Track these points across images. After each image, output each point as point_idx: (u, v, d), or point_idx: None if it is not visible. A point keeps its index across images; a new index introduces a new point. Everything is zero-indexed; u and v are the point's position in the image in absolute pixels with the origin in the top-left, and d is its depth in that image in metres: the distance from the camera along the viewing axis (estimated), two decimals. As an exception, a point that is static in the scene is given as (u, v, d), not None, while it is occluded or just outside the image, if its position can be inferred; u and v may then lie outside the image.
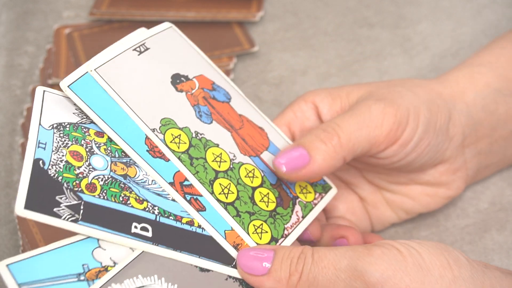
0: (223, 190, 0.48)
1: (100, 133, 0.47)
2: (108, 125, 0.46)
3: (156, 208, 0.45)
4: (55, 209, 0.42)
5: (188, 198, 0.47)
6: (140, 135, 0.47)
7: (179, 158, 0.48)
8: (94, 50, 0.69)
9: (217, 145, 0.50)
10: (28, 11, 0.76)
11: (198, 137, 0.49)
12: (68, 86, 0.46)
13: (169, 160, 0.47)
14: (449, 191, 0.56)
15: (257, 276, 0.45)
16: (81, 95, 0.46)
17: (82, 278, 0.42)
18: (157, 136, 0.48)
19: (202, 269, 0.45)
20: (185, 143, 0.49)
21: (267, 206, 0.49)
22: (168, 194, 0.46)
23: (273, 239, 0.48)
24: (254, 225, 0.48)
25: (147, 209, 0.45)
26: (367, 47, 0.73)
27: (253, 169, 0.50)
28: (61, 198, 0.43)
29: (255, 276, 0.45)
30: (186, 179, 0.47)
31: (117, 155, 0.46)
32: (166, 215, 0.46)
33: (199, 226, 0.46)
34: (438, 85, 0.55)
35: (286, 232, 0.49)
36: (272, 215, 0.49)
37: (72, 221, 0.42)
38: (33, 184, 0.42)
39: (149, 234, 0.44)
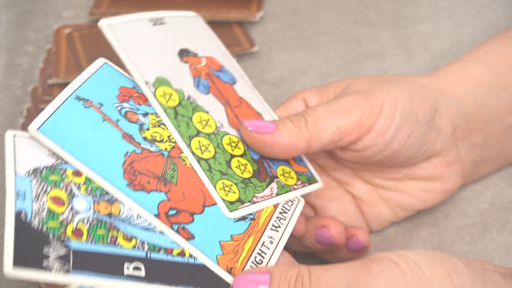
0: (200, 147, 0.49)
1: (78, 173, 0.45)
2: (84, 163, 0.45)
3: (145, 244, 0.45)
4: (44, 264, 0.41)
5: (175, 228, 0.46)
6: (118, 171, 0.46)
7: (164, 110, 0.49)
8: (94, 50, 0.69)
9: (207, 112, 0.51)
10: (28, 11, 0.76)
11: (189, 100, 0.51)
12: (36, 130, 0.45)
13: (150, 191, 0.46)
14: (445, 185, 0.56)
15: None
16: (52, 136, 0.45)
17: None
18: (148, 88, 0.49)
19: None
20: (175, 101, 0.50)
21: (242, 174, 0.50)
22: (155, 228, 0.46)
23: (240, 201, 0.48)
24: (223, 183, 0.48)
25: (136, 246, 0.44)
26: (367, 47, 0.73)
27: (238, 141, 0.52)
28: (48, 250, 0.42)
29: None
30: (170, 208, 0.46)
31: (98, 194, 0.45)
32: (156, 250, 0.45)
33: (191, 256, 0.46)
34: (425, 79, 0.56)
35: (255, 199, 0.49)
36: (244, 181, 0.50)
37: (63, 272, 0.41)
38: (19, 240, 0.41)
39: (142, 273, 0.44)
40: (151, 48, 0.52)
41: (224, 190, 0.48)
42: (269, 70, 0.71)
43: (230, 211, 0.48)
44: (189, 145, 0.49)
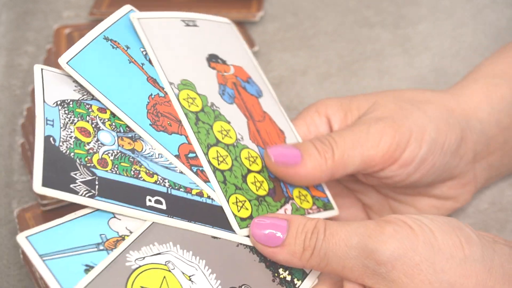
0: (217, 157, 0.48)
1: (103, 109, 0.47)
2: (110, 100, 0.46)
3: (166, 181, 0.46)
4: (71, 185, 0.43)
5: (194, 170, 0.47)
6: (142, 111, 0.47)
7: (186, 114, 0.48)
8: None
9: (229, 122, 0.50)
10: (28, 11, 0.76)
11: (212, 107, 0.50)
12: (66, 63, 0.46)
13: (172, 133, 0.47)
14: (456, 203, 0.56)
15: (271, 247, 0.45)
16: (80, 71, 0.46)
17: (101, 247, 0.43)
18: (172, 90, 0.49)
19: (214, 236, 0.46)
20: (197, 106, 0.49)
21: (257, 190, 0.49)
22: (176, 167, 0.47)
23: (251, 218, 0.47)
24: (236, 198, 0.48)
25: (158, 182, 0.46)
26: (367, 47, 0.73)
27: (256, 156, 0.51)
28: (75, 174, 0.43)
29: (268, 247, 0.45)
30: (190, 151, 0.48)
31: (122, 130, 0.47)
32: (176, 187, 0.46)
33: (209, 197, 0.47)
34: (452, 100, 0.54)
35: None
36: (259, 199, 0.49)
37: (89, 196, 0.43)
38: (47, 161, 0.43)
39: (163, 206, 0.45)
40: (180, 48, 0.51)
41: (237, 205, 0.48)
42: (269, 70, 0.71)
43: (240, 228, 0.47)
44: (206, 154, 0.48)
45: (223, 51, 0.54)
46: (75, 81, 0.47)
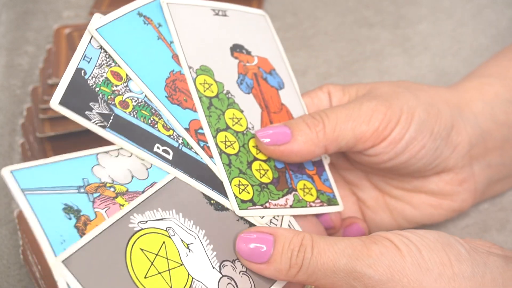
0: (225, 142, 0.50)
1: None
2: (132, 69, 0.48)
3: (180, 138, 0.48)
4: (86, 112, 0.45)
5: (201, 145, 0.49)
6: (161, 82, 0.49)
7: (200, 98, 0.50)
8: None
9: (242, 111, 0.51)
10: (28, 11, 0.76)
11: (227, 95, 0.51)
12: (95, 29, 0.48)
13: (186, 108, 0.49)
14: (453, 203, 0.55)
15: (257, 263, 0.45)
16: (107, 38, 0.48)
17: (82, 190, 0.44)
18: (190, 73, 0.50)
19: (217, 209, 0.47)
20: (213, 92, 0.51)
21: (260, 177, 0.50)
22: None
23: (252, 202, 0.48)
24: (239, 181, 0.49)
25: (172, 136, 0.48)
26: (367, 47, 0.73)
27: None
28: (94, 105, 0.46)
29: (255, 264, 0.45)
30: (200, 128, 0.49)
31: None
32: (188, 147, 0.48)
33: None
34: (446, 92, 0.55)
35: (267, 204, 0.49)
36: (261, 185, 0.50)
37: (100, 126, 0.45)
38: (72, 86, 0.45)
39: (170, 156, 0.47)
40: (205, 35, 0.52)
41: (239, 188, 0.48)
42: (269, 70, 0.71)
43: (240, 209, 0.48)
44: (215, 137, 0.49)
45: (250, 41, 0.55)
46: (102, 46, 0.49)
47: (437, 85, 0.57)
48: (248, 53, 0.54)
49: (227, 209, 0.47)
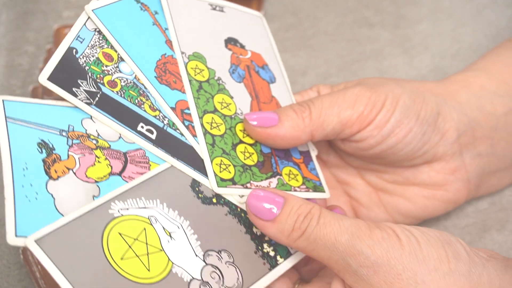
0: (211, 123, 0.50)
1: None
2: (124, 49, 0.49)
3: (166, 119, 0.49)
4: (74, 89, 0.46)
5: (186, 124, 0.49)
6: (151, 63, 0.50)
7: (190, 81, 0.50)
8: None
9: (231, 97, 0.52)
10: (28, 11, 0.76)
11: (218, 81, 0.52)
12: (92, 10, 0.49)
13: (174, 89, 0.50)
14: (447, 193, 0.55)
15: (263, 220, 0.46)
16: (103, 19, 0.49)
17: (64, 134, 0.45)
18: (182, 58, 0.51)
19: (204, 202, 0.47)
20: (203, 77, 0.51)
21: (244, 159, 0.50)
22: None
23: (232, 181, 0.49)
24: (221, 160, 0.49)
25: (157, 117, 0.49)
26: (367, 47, 0.73)
27: None
28: (82, 82, 0.47)
29: (260, 220, 0.46)
30: (187, 108, 0.50)
31: None
32: (173, 128, 0.49)
33: None
34: (431, 84, 0.56)
35: (248, 185, 0.49)
36: (244, 167, 0.50)
37: (85, 103, 0.46)
38: (62, 64, 0.47)
39: (153, 136, 0.48)
40: (200, 26, 0.53)
41: (220, 167, 0.49)
42: (269, 70, 0.71)
43: (218, 186, 0.48)
44: (201, 117, 0.50)
45: (244, 37, 0.56)
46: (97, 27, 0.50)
47: (425, 80, 0.58)
48: (242, 46, 0.55)
49: (215, 203, 0.48)
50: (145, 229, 0.44)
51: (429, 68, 0.71)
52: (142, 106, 0.48)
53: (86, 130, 0.46)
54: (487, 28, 0.74)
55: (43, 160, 0.44)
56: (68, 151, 0.45)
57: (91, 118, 0.47)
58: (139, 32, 0.50)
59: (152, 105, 0.49)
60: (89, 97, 0.47)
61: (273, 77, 0.55)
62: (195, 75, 0.51)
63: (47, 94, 0.67)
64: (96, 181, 0.45)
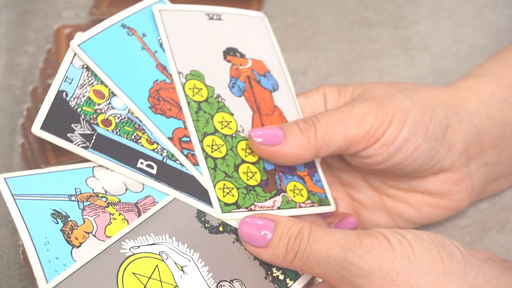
0: (212, 145, 0.50)
1: None
2: (115, 83, 0.48)
3: (165, 151, 0.48)
4: (68, 134, 0.46)
5: (185, 153, 0.49)
6: (144, 93, 0.49)
7: (188, 103, 0.50)
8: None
9: (232, 114, 0.51)
10: (28, 11, 0.76)
11: (217, 99, 0.51)
12: (78, 45, 0.48)
13: (170, 117, 0.49)
14: (451, 202, 0.55)
15: (257, 247, 0.47)
16: (89, 53, 0.48)
17: (73, 198, 0.45)
18: (179, 78, 0.50)
19: (211, 232, 0.47)
20: (202, 96, 0.51)
21: (247, 180, 0.50)
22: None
23: (236, 205, 0.48)
24: (224, 184, 0.49)
25: (156, 150, 0.48)
26: (367, 47, 0.73)
27: None
28: (76, 126, 0.46)
29: (255, 247, 0.47)
30: (184, 136, 0.49)
31: None
32: (173, 159, 0.48)
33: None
34: (441, 92, 0.55)
35: (253, 207, 0.49)
36: (247, 188, 0.50)
37: (82, 147, 0.46)
38: (53, 110, 0.46)
39: (154, 171, 0.47)
40: (197, 40, 0.52)
41: (223, 191, 0.48)
42: (269, 70, 0.71)
43: (222, 212, 0.48)
44: (201, 141, 0.49)
45: (244, 44, 0.54)
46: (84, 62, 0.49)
47: (434, 85, 0.57)
48: (242, 56, 0.54)
49: (222, 231, 0.47)
50: (157, 266, 0.44)
51: (429, 68, 0.70)
52: (139, 141, 0.48)
53: (93, 189, 0.46)
54: (487, 28, 0.74)
55: (62, 230, 0.44)
56: (82, 215, 0.45)
57: (93, 176, 0.46)
58: (128, 61, 0.49)
59: (149, 139, 0.48)
60: (85, 141, 0.46)
61: (275, 84, 0.54)
62: (193, 95, 0.50)
63: (46, 93, 0.66)
64: None
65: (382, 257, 0.43)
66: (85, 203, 0.45)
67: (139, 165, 0.47)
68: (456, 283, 0.43)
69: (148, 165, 0.47)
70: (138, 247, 0.44)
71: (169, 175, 0.48)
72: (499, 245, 0.57)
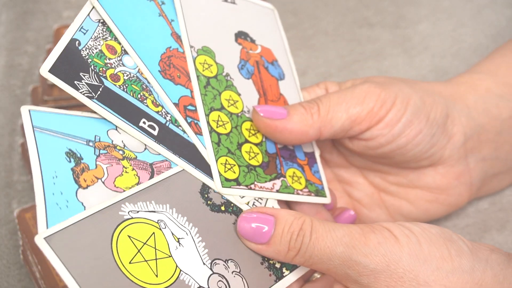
0: (217, 121, 0.50)
1: None
2: (128, 41, 0.48)
3: (169, 115, 0.48)
4: (75, 82, 0.46)
5: (189, 121, 0.49)
6: (156, 56, 0.49)
7: (197, 77, 0.50)
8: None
9: (239, 94, 0.52)
10: (28, 11, 0.76)
11: (226, 77, 0.51)
12: (97, 0, 0.48)
13: (178, 84, 0.49)
14: (449, 197, 0.55)
15: (257, 244, 0.46)
16: (107, 8, 0.48)
17: (90, 144, 0.45)
18: (191, 52, 0.50)
19: (213, 210, 0.47)
20: (212, 72, 0.51)
21: (249, 159, 0.50)
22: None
23: (237, 181, 0.48)
24: (226, 160, 0.49)
25: (160, 113, 0.48)
26: (367, 47, 0.73)
27: (258, 130, 0.51)
28: (84, 75, 0.46)
29: (255, 244, 0.46)
30: (190, 104, 0.49)
31: None
32: (176, 124, 0.48)
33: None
34: (439, 85, 0.55)
35: (252, 186, 0.49)
36: (249, 167, 0.50)
37: (87, 97, 0.46)
38: (64, 55, 0.46)
39: (155, 132, 0.47)
40: (210, 19, 0.53)
41: (225, 166, 0.49)
42: (269, 70, 0.71)
43: (223, 187, 0.48)
44: (207, 115, 0.49)
45: (255, 31, 0.55)
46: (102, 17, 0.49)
47: (432, 81, 0.58)
48: (253, 41, 0.54)
49: (223, 211, 0.47)
50: (154, 233, 0.44)
51: (429, 68, 0.71)
52: (145, 101, 0.48)
53: (112, 140, 0.46)
54: (487, 28, 0.74)
55: (72, 169, 0.44)
56: (96, 160, 0.45)
57: (116, 129, 0.46)
58: (144, 24, 0.50)
59: (155, 100, 0.48)
60: (91, 91, 0.46)
61: (282, 74, 0.55)
62: (203, 70, 0.50)
63: (47, 94, 0.66)
64: (124, 191, 0.45)
65: (388, 255, 0.43)
66: (102, 151, 0.45)
67: (141, 124, 0.47)
68: (464, 279, 0.42)
69: (150, 126, 0.47)
70: (137, 212, 0.44)
71: (170, 139, 0.48)
72: (499, 245, 0.57)
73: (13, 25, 0.75)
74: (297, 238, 0.45)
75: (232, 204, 0.48)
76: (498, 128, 0.55)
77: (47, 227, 0.41)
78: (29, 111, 0.44)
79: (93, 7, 0.48)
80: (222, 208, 0.47)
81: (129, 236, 0.43)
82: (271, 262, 0.47)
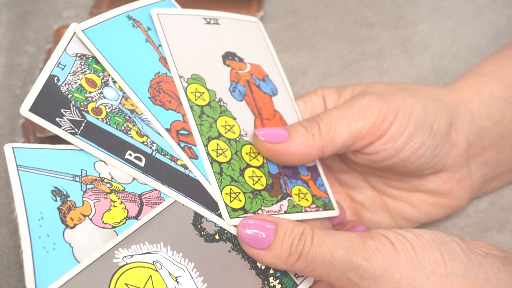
0: (217, 150, 0.49)
1: None
2: (116, 70, 0.48)
3: (154, 144, 0.47)
4: (57, 119, 0.45)
5: (182, 145, 0.48)
6: (145, 83, 0.49)
7: (191, 107, 0.49)
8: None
9: (234, 118, 0.51)
10: (28, 11, 0.76)
11: (219, 103, 0.51)
12: (82, 30, 0.48)
13: (169, 109, 0.49)
14: (451, 201, 0.55)
15: (257, 249, 0.46)
16: (93, 39, 0.48)
17: (77, 179, 0.45)
18: (181, 83, 0.50)
19: (207, 240, 0.46)
20: (204, 100, 0.50)
21: (253, 184, 0.50)
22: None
23: (243, 210, 0.48)
24: (230, 189, 0.48)
25: (145, 143, 0.47)
26: (367, 47, 0.73)
27: (258, 152, 0.51)
28: (65, 112, 0.45)
29: (255, 249, 0.46)
30: (182, 129, 0.49)
31: None
32: (163, 153, 0.47)
33: (192, 172, 0.48)
34: (442, 91, 0.55)
35: (260, 211, 0.49)
36: (254, 192, 0.49)
37: (70, 133, 0.45)
38: (43, 93, 0.45)
39: (142, 164, 0.46)
40: (196, 44, 0.52)
41: (230, 196, 0.48)
42: (269, 70, 0.71)
43: (230, 217, 0.47)
44: (206, 145, 0.49)
45: (242, 49, 0.54)
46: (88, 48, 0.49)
47: (434, 86, 0.57)
48: (241, 60, 0.54)
49: (218, 240, 0.47)
50: (151, 276, 0.43)
51: (429, 68, 0.71)
52: (129, 132, 0.47)
53: (99, 173, 0.45)
54: (487, 28, 0.74)
55: (58, 208, 0.43)
56: (83, 197, 0.44)
57: (102, 160, 0.46)
58: (131, 51, 0.49)
59: (139, 131, 0.47)
60: (73, 127, 0.45)
61: (274, 89, 0.54)
62: (195, 99, 0.50)
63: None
64: (113, 227, 0.44)
65: (386, 260, 0.43)
66: (88, 186, 0.45)
67: (127, 156, 0.46)
68: (458, 283, 0.43)
69: (136, 157, 0.46)
70: (132, 256, 0.43)
71: (158, 169, 0.47)
72: (499, 245, 0.57)
73: (13, 25, 0.75)
74: (299, 242, 0.45)
75: (226, 231, 0.47)
76: (501, 133, 0.55)
77: (34, 274, 0.40)
78: (13, 149, 0.44)
79: (78, 37, 0.47)
80: (216, 237, 0.47)
81: (126, 284, 0.42)
82: (271, 285, 0.47)
